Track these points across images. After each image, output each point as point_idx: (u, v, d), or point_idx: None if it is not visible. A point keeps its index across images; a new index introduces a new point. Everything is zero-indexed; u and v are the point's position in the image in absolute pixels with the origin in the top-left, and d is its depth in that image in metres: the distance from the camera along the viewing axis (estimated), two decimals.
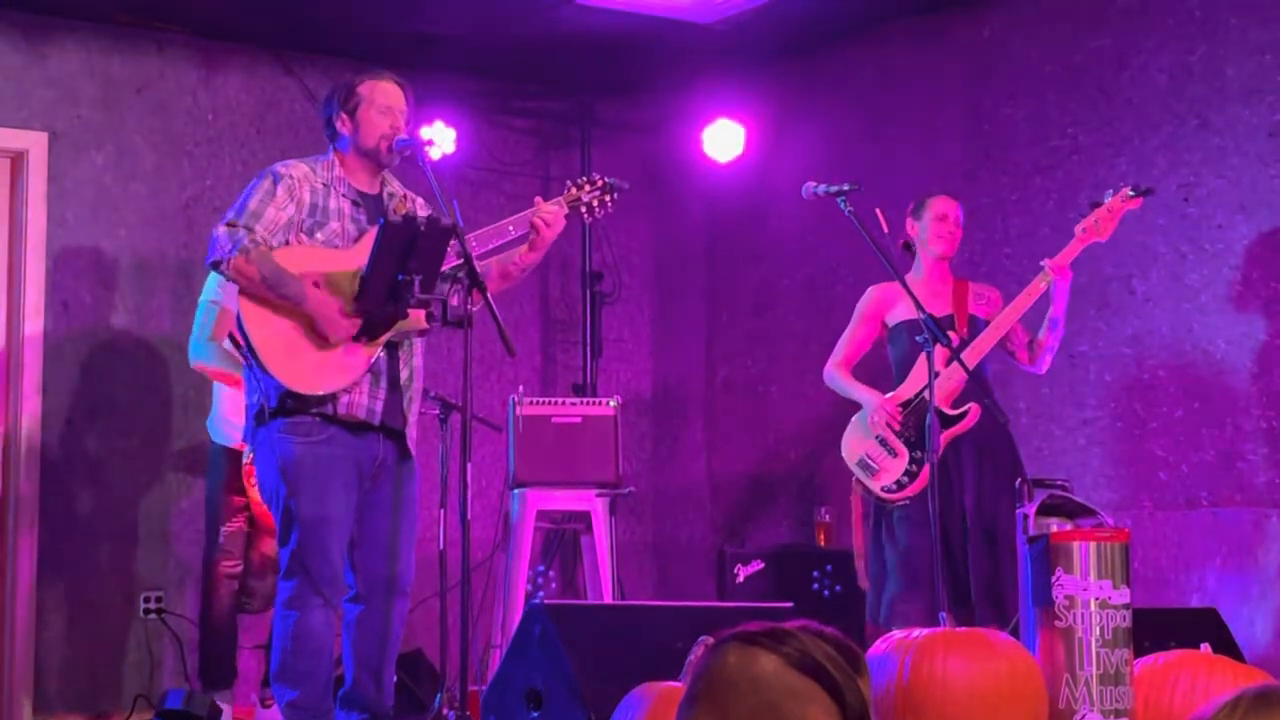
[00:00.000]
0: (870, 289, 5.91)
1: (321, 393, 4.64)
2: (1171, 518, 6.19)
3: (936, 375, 5.47)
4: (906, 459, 5.60)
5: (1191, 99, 6.22)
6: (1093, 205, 5.68)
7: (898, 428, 5.63)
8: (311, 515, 4.65)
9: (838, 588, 6.56)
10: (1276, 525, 5.91)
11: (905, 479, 5.60)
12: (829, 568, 6.62)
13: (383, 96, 4.83)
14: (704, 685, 2.03)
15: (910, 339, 5.55)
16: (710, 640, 2.09)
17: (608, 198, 5.06)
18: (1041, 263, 5.61)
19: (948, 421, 5.57)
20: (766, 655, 2.02)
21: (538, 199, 4.98)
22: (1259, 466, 5.96)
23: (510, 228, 4.88)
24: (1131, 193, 5.62)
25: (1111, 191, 5.66)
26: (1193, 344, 6.17)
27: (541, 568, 7.15)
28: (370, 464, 4.75)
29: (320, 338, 4.64)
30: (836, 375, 5.90)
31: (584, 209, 5.04)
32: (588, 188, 5.04)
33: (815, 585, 6.50)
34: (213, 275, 5.84)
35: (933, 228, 5.79)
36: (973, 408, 5.57)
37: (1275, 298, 5.96)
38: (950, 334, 5.55)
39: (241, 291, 4.67)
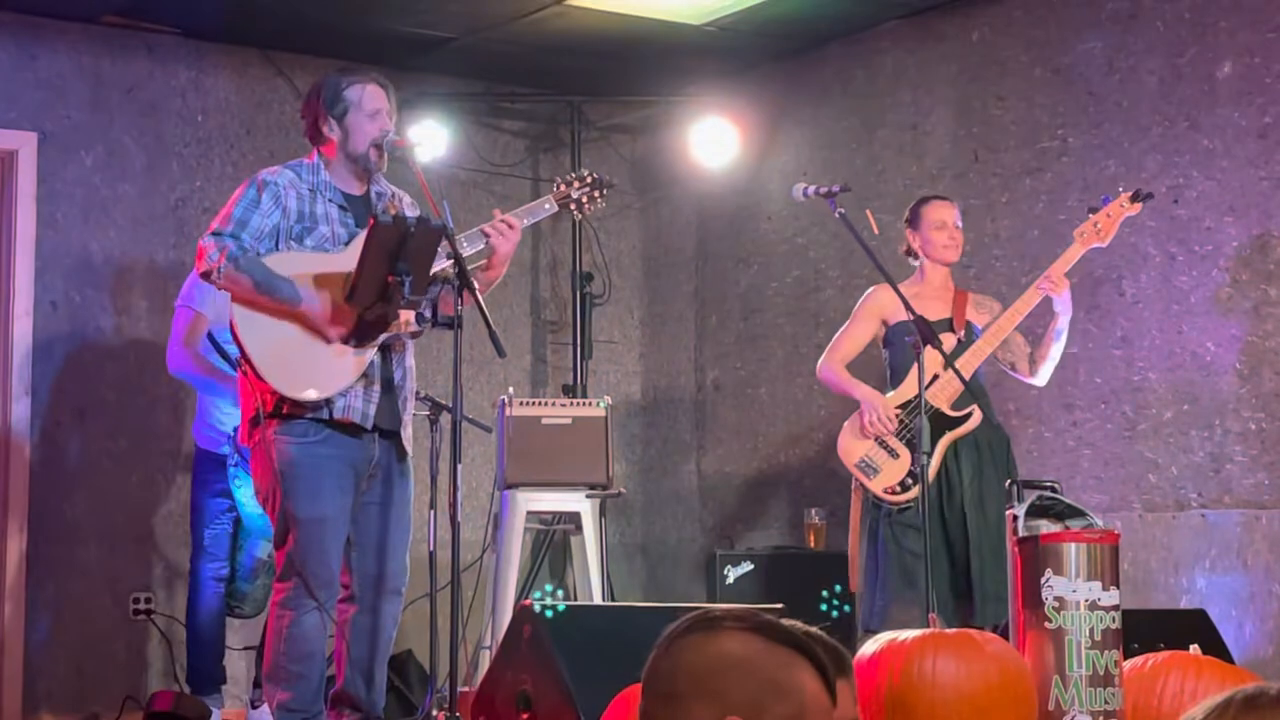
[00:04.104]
0: (874, 288, 5.79)
1: (316, 398, 4.63)
2: (1161, 519, 6.19)
3: (935, 379, 5.46)
4: (909, 461, 5.55)
5: (1181, 101, 6.23)
6: (1090, 210, 5.66)
7: (895, 428, 5.60)
8: (308, 517, 4.64)
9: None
10: (1265, 527, 5.92)
11: (910, 480, 5.55)
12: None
13: (370, 101, 4.81)
14: (687, 681, 2.00)
15: (906, 341, 5.49)
16: (661, 641, 2.06)
17: (597, 194, 5.06)
18: (1037, 283, 5.59)
19: (951, 423, 5.55)
20: (745, 635, 2.00)
21: (495, 211, 4.93)
22: (1248, 468, 5.96)
23: (463, 242, 4.80)
24: (1130, 200, 5.61)
25: (1109, 197, 5.65)
26: (1182, 346, 6.17)
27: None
28: (365, 465, 4.75)
29: (315, 341, 4.64)
30: (833, 372, 5.80)
31: (573, 205, 5.04)
32: (576, 184, 5.04)
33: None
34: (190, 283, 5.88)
35: (932, 237, 5.72)
36: (975, 409, 5.55)
37: (1264, 300, 5.96)
38: (947, 335, 5.53)
39: (234, 299, 4.67)
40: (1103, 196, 5.71)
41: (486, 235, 4.82)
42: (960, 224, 5.79)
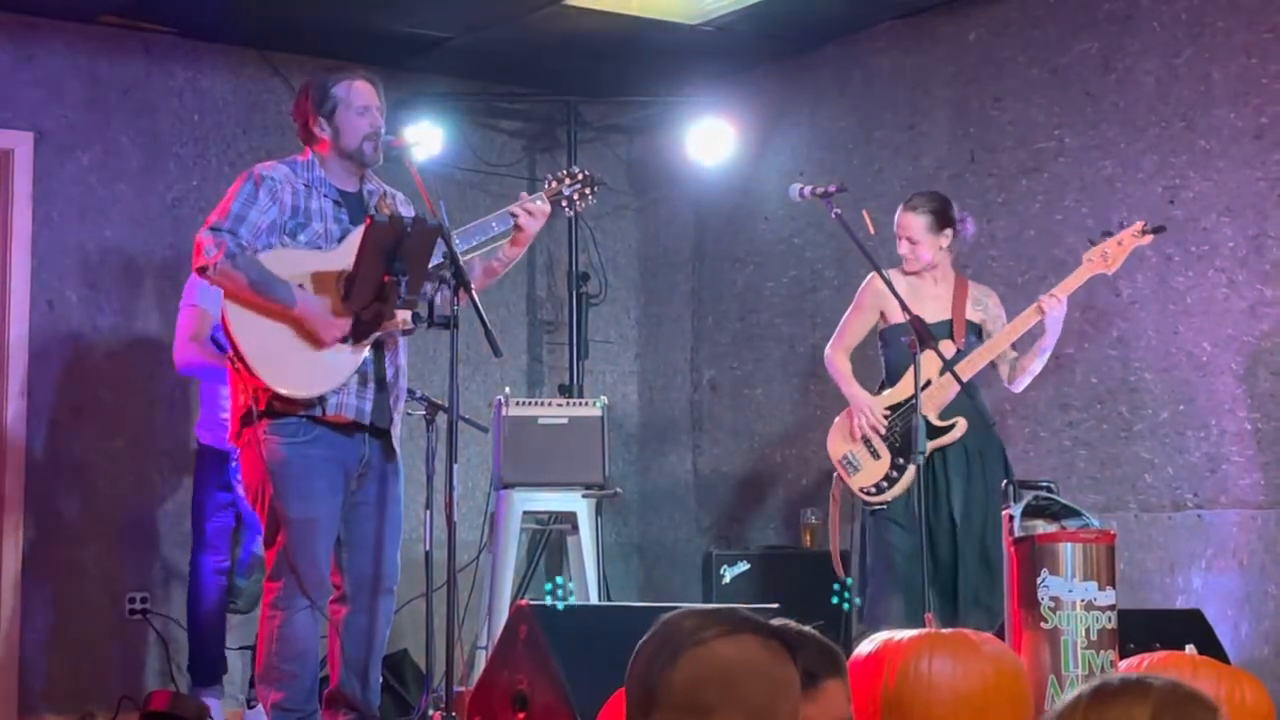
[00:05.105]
0: (872, 276, 5.66)
1: (309, 395, 4.63)
2: (1157, 519, 6.19)
3: (928, 384, 5.45)
4: (888, 464, 5.58)
5: (1178, 102, 6.23)
6: (1103, 234, 5.64)
7: (883, 432, 5.61)
8: (298, 516, 4.63)
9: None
10: (1261, 527, 5.92)
11: (885, 483, 5.58)
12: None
13: (359, 97, 4.81)
14: (714, 693, 1.94)
15: (902, 341, 5.48)
16: (662, 652, 2.02)
17: (588, 190, 5.06)
18: (1039, 300, 5.57)
19: (935, 433, 5.54)
20: (744, 638, 1.99)
21: (522, 194, 4.99)
22: (1244, 468, 5.96)
23: (493, 224, 4.89)
24: (1142, 233, 5.59)
25: (1123, 224, 5.64)
26: (1178, 346, 6.17)
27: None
28: (356, 464, 4.74)
29: (308, 340, 4.63)
30: (836, 361, 5.80)
31: (564, 202, 5.04)
32: (568, 180, 5.05)
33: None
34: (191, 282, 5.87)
35: (899, 245, 5.73)
36: (959, 421, 5.55)
37: (1260, 300, 5.97)
38: (945, 343, 5.51)
39: (227, 295, 4.66)
40: (1118, 221, 5.69)
41: (514, 215, 4.87)
42: (916, 232, 5.65)
